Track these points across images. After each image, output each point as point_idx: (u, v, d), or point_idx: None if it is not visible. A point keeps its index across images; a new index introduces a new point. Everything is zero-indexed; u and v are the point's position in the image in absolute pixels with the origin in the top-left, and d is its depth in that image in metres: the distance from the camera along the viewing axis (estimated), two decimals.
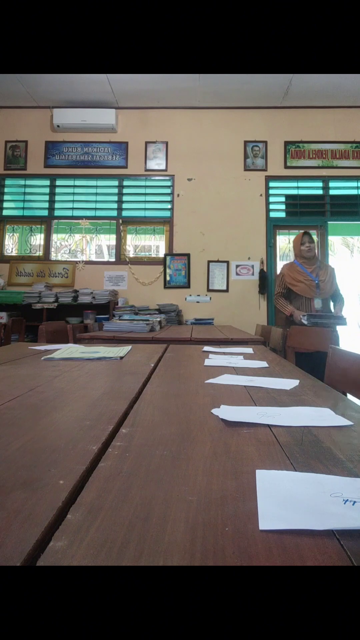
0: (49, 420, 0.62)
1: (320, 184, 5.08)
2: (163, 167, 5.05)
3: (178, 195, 5.00)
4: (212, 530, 0.32)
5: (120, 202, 5.12)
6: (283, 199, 5.10)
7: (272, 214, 4.98)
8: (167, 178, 5.07)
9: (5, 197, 5.22)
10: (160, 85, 4.56)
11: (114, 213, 5.11)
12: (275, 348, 2.42)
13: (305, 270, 3.31)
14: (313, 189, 5.11)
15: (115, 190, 5.13)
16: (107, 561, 0.28)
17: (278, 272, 5.74)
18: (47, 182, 5.16)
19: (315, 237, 2.80)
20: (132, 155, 5.07)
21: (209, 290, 4.86)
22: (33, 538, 0.30)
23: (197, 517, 0.33)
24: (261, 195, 4.96)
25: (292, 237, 5.17)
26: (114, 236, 5.13)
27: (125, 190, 5.14)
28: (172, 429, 0.59)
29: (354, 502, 0.36)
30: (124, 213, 5.11)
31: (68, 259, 5.12)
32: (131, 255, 5.11)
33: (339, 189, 5.08)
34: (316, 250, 3.36)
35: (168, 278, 4.92)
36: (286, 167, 5.02)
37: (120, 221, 5.09)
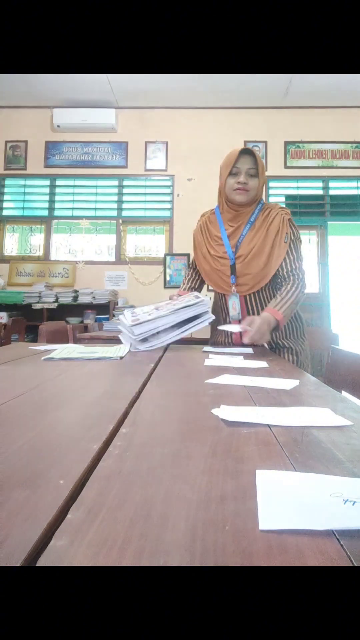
0: (49, 419, 0.62)
1: (320, 184, 5.08)
2: (163, 167, 5.05)
3: (178, 195, 5.00)
4: (212, 530, 0.32)
5: (120, 202, 5.12)
6: (283, 198, 5.10)
7: None
8: (167, 178, 5.07)
9: (5, 197, 5.22)
10: (160, 85, 4.56)
11: (114, 213, 5.12)
12: None
13: (222, 232, 1.73)
14: (313, 188, 5.11)
15: (115, 190, 5.13)
16: (107, 560, 0.28)
17: None
18: (47, 182, 5.16)
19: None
20: (132, 155, 5.07)
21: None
22: (34, 537, 0.30)
23: (197, 516, 0.33)
24: None
25: None
26: (114, 236, 5.13)
27: (125, 190, 5.14)
28: (172, 428, 0.59)
29: (354, 502, 0.36)
30: (124, 213, 5.11)
31: (68, 259, 5.11)
32: (131, 255, 5.11)
33: (339, 188, 5.08)
34: (257, 190, 1.66)
35: (168, 278, 4.92)
36: (286, 167, 5.02)
37: (120, 221, 5.09)
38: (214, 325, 1.85)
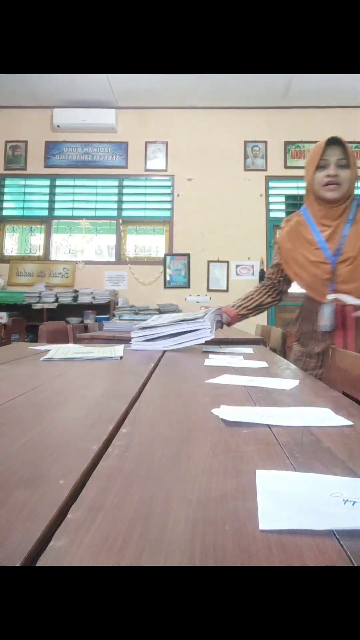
0: (49, 419, 0.62)
1: None
2: (163, 167, 5.05)
3: (178, 195, 5.00)
4: (212, 530, 0.32)
5: (120, 202, 5.12)
6: (283, 198, 5.11)
7: (272, 214, 4.98)
8: (167, 178, 5.07)
9: (5, 197, 5.22)
10: (160, 85, 4.56)
11: (114, 213, 5.12)
12: (275, 348, 2.42)
13: (316, 235, 1.52)
14: None
15: (115, 190, 5.13)
16: (107, 560, 0.28)
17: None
18: (47, 182, 5.16)
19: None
20: (132, 155, 5.07)
21: (209, 290, 4.86)
22: (34, 537, 0.30)
23: (197, 516, 0.33)
24: (261, 195, 4.96)
25: None
26: (114, 236, 5.13)
27: (125, 190, 5.14)
28: (172, 428, 0.59)
29: (354, 502, 0.36)
30: (124, 213, 5.11)
31: (68, 259, 5.11)
32: (131, 255, 5.11)
33: None
34: (350, 183, 1.46)
35: (168, 278, 4.92)
36: (286, 167, 5.02)
37: (120, 221, 5.09)
38: (301, 330, 1.64)
